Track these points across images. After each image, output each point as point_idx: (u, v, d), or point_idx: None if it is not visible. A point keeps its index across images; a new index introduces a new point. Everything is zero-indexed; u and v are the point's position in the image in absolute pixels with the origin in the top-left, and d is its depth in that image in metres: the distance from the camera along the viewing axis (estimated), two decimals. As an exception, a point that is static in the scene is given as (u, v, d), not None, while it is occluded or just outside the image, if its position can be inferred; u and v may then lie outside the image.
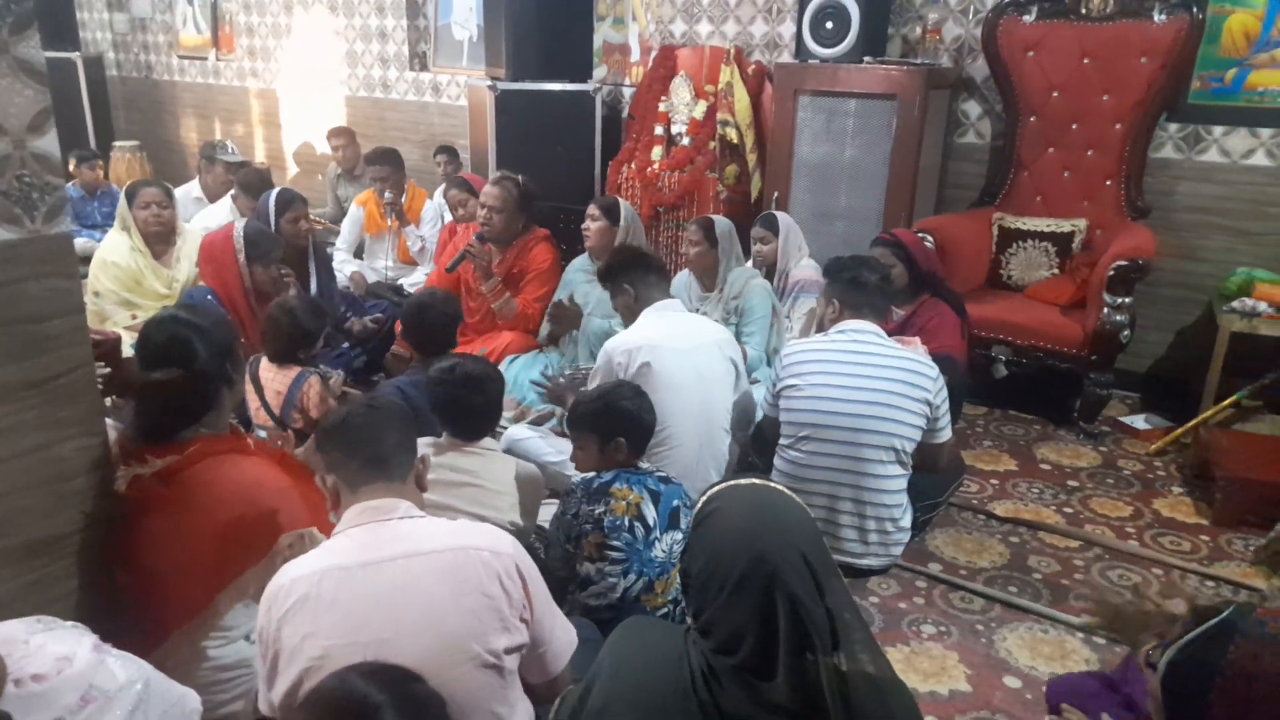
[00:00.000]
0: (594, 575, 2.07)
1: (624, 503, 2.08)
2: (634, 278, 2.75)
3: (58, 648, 1.21)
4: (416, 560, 1.44)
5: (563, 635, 1.60)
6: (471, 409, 2.17)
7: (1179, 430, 3.37)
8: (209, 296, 3.07)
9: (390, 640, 1.37)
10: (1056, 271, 3.80)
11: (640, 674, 1.33)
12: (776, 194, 4.08)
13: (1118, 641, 1.78)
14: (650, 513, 2.08)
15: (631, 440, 2.19)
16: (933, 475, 2.66)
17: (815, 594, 1.22)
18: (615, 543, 2.05)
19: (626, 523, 2.06)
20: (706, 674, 1.26)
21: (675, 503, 2.12)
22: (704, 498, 1.36)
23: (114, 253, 3.62)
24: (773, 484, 1.36)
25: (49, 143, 1.62)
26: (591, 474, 2.19)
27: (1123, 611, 1.73)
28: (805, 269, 3.52)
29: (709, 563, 1.28)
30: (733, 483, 1.36)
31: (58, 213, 1.64)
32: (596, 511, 2.08)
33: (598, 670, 1.38)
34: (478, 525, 1.59)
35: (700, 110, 4.40)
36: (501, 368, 3.52)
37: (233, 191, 4.50)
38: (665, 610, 2.09)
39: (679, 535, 2.09)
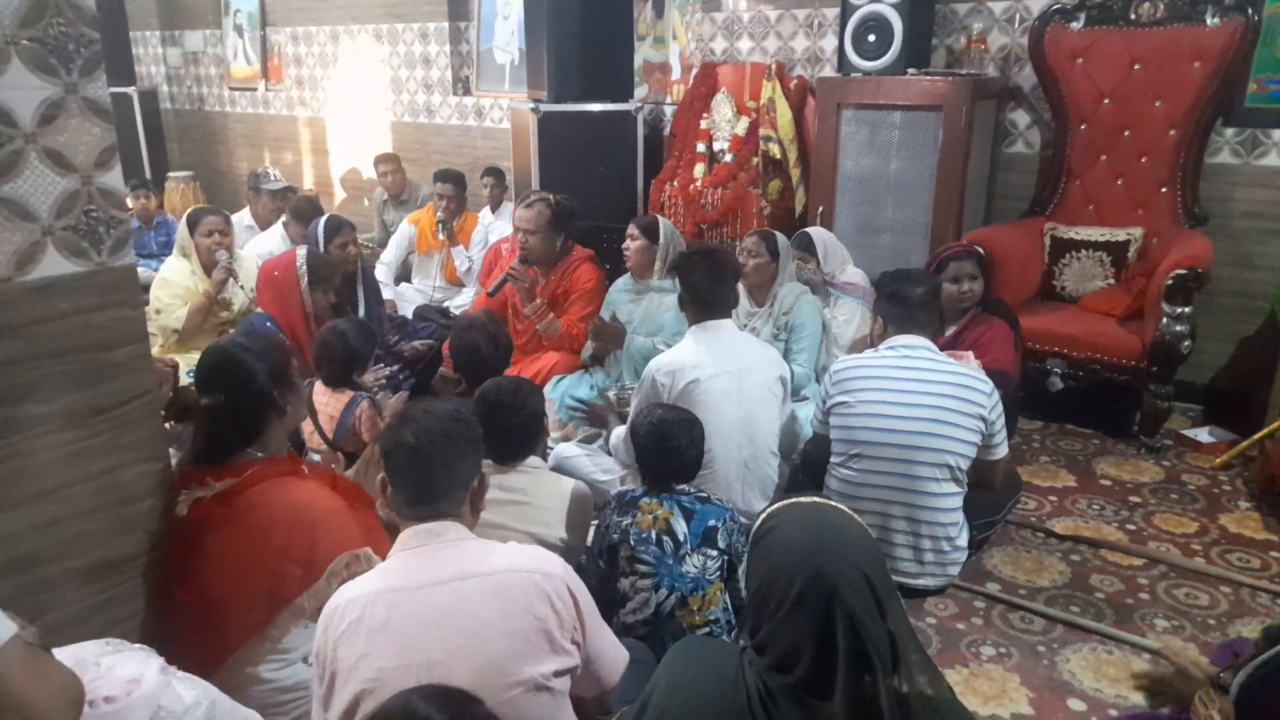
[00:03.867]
0: (629, 590, 2.10)
1: (650, 516, 2.11)
2: (706, 294, 2.63)
3: (127, 670, 1.24)
4: (467, 583, 1.45)
5: (614, 650, 1.62)
6: (506, 430, 2.15)
7: (1245, 443, 3.27)
8: (268, 323, 3.14)
9: (441, 662, 1.39)
10: (1112, 282, 3.72)
11: (695, 693, 1.32)
12: (821, 208, 4.06)
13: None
14: (681, 527, 2.09)
15: (656, 474, 2.20)
16: (989, 492, 2.61)
17: (876, 614, 1.20)
18: (644, 555, 2.08)
19: (654, 536, 2.08)
20: (762, 693, 1.25)
21: (712, 522, 2.11)
22: (763, 515, 1.36)
23: (174, 274, 3.74)
24: (833, 503, 1.34)
25: (114, 178, 1.68)
26: (627, 488, 2.26)
27: (1172, 683, 1.69)
28: (851, 275, 3.50)
29: (767, 578, 1.27)
30: (793, 501, 1.35)
31: (122, 245, 1.70)
32: (624, 523, 2.12)
33: (653, 689, 1.37)
34: (527, 547, 1.60)
35: (742, 126, 4.40)
36: (548, 388, 3.54)
37: (284, 219, 4.61)
38: (706, 629, 2.08)
39: (713, 553, 2.09)
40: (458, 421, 1.59)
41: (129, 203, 5.48)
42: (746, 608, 1.33)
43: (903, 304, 2.58)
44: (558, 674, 1.46)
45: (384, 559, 1.63)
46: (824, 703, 1.21)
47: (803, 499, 1.35)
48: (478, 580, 1.46)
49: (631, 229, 3.63)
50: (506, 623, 1.43)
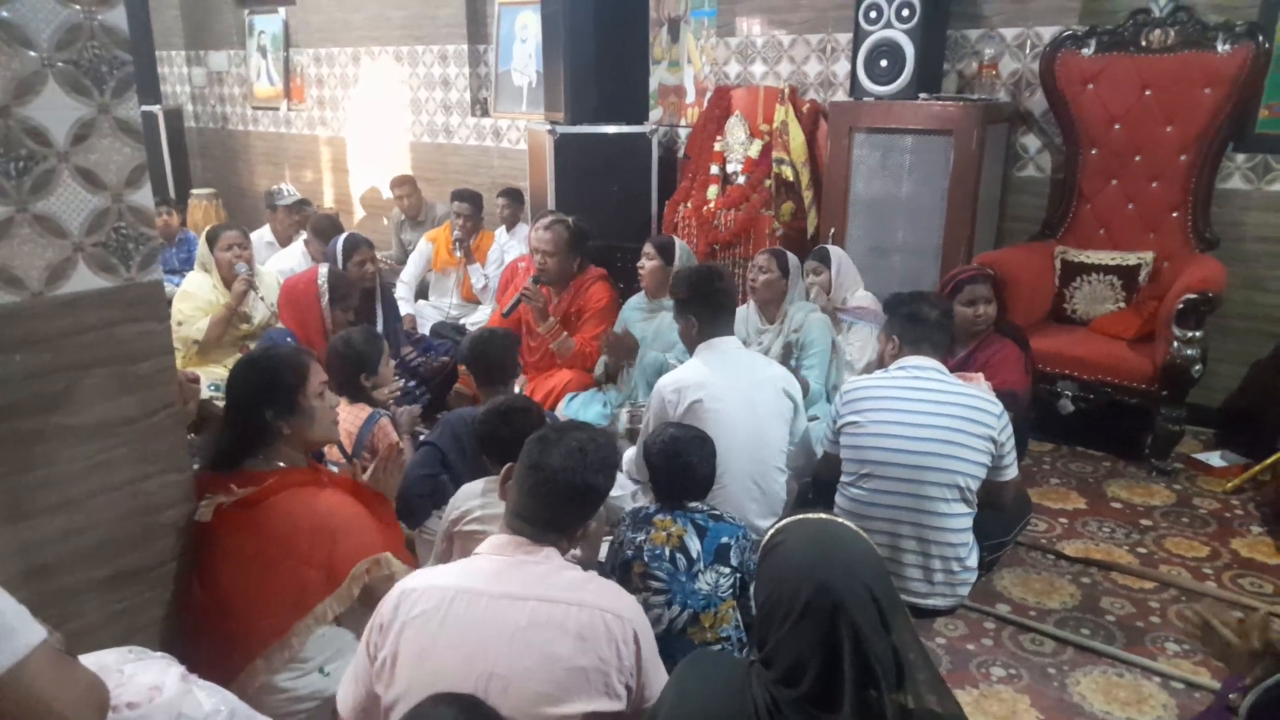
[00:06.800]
0: (642, 606, 2.10)
1: (664, 533, 2.12)
2: (702, 314, 2.70)
3: (149, 677, 1.27)
4: (545, 607, 1.49)
5: (660, 682, 1.62)
6: (505, 443, 2.16)
7: (1256, 467, 3.26)
8: (289, 338, 3.19)
9: (502, 676, 1.43)
10: (1122, 305, 3.72)
11: (703, 707, 1.33)
12: (833, 229, 4.09)
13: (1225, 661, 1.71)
14: (694, 545, 2.10)
15: (668, 492, 2.21)
16: (999, 513, 2.62)
17: (880, 628, 1.22)
18: (657, 572, 2.08)
19: (667, 553, 2.09)
20: (770, 707, 1.26)
21: (725, 539, 2.12)
22: (771, 531, 1.38)
23: (195, 288, 3.81)
24: (840, 519, 1.37)
25: (143, 196, 1.73)
26: (642, 504, 2.26)
27: (1233, 647, 1.67)
28: (861, 299, 3.52)
29: (774, 591, 1.29)
30: (800, 517, 1.38)
31: (150, 261, 1.75)
32: (638, 539, 2.13)
33: (661, 703, 1.39)
34: (607, 584, 1.62)
35: (755, 149, 4.44)
36: (560, 405, 3.58)
37: (305, 236, 4.67)
38: (718, 647, 2.09)
39: (726, 570, 2.10)
40: (601, 473, 1.62)
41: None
42: (755, 622, 1.35)
43: (921, 324, 2.60)
44: (603, 714, 1.49)
45: (405, 564, 1.65)
46: (831, 716, 1.22)
47: (809, 515, 1.37)
48: (554, 607, 1.49)
49: (648, 248, 3.67)
50: (574, 658, 1.46)
